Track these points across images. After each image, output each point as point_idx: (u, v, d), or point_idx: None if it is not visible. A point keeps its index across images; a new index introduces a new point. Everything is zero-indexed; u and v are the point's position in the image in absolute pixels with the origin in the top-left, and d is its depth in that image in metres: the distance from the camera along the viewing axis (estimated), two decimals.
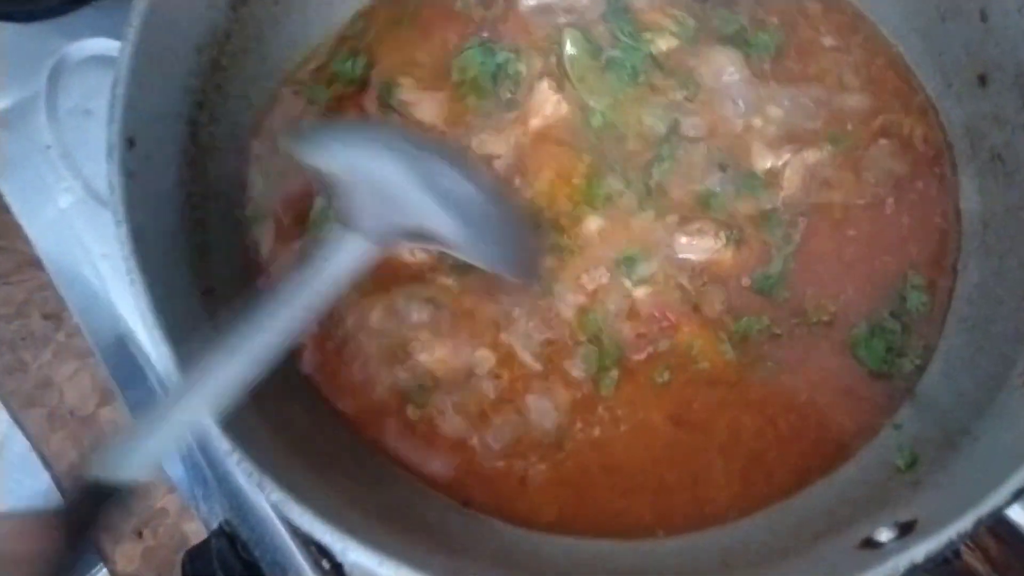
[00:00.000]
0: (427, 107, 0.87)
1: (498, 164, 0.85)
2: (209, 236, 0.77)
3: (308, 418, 0.77)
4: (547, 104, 0.86)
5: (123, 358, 1.05)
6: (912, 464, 0.71)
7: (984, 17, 0.81)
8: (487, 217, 0.74)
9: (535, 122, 0.86)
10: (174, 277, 0.70)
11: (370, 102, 0.88)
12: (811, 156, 0.84)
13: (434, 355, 0.79)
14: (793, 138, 0.85)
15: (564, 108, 0.86)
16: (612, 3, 0.90)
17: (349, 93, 0.89)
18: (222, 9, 0.80)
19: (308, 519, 0.58)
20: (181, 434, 0.60)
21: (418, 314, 0.80)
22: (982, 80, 0.82)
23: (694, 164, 0.83)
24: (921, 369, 0.78)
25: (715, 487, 0.76)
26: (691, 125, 0.85)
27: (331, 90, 0.89)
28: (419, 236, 0.71)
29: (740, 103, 0.86)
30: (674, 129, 0.85)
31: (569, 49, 0.88)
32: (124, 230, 0.64)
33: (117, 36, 0.70)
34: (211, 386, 0.60)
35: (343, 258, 0.67)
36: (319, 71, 0.90)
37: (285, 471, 0.63)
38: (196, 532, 1.21)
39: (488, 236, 0.74)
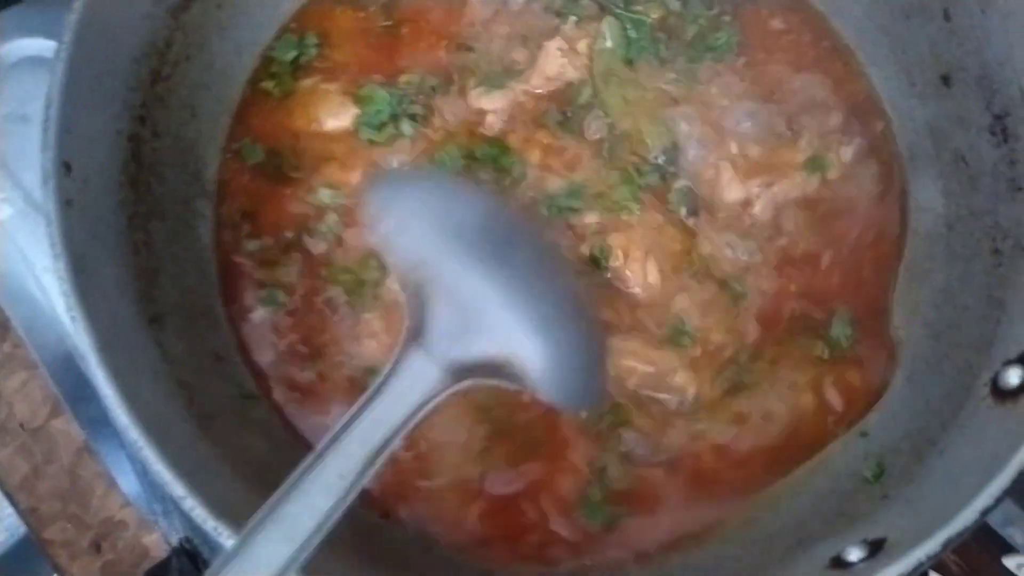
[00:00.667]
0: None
1: (490, 121, 0.83)
2: (155, 259, 0.74)
3: (268, 445, 0.74)
4: (553, 64, 0.83)
5: (72, 373, 1.02)
6: (879, 475, 0.71)
7: (947, 16, 0.79)
8: (577, 343, 0.64)
9: (536, 81, 0.83)
10: (119, 307, 0.67)
11: None
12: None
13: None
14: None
15: (570, 73, 0.84)
16: None
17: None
18: (161, 17, 0.76)
19: None
20: None
21: None
22: (945, 80, 0.81)
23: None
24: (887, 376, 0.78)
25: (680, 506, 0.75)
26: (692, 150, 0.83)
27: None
28: (498, 373, 0.60)
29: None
30: (671, 150, 0.83)
31: (607, 42, 0.85)
32: (63, 264, 0.61)
33: (51, 35, 0.65)
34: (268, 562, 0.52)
35: (413, 392, 0.56)
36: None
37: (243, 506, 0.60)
38: (157, 545, 1.18)
39: (572, 366, 0.63)
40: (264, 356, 0.79)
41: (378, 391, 0.56)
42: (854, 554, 0.61)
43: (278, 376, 0.79)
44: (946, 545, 0.57)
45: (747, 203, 0.81)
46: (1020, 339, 0.67)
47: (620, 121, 0.83)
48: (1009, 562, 0.87)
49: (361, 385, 0.75)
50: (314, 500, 0.53)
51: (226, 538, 0.56)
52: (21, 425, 1.33)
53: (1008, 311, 0.70)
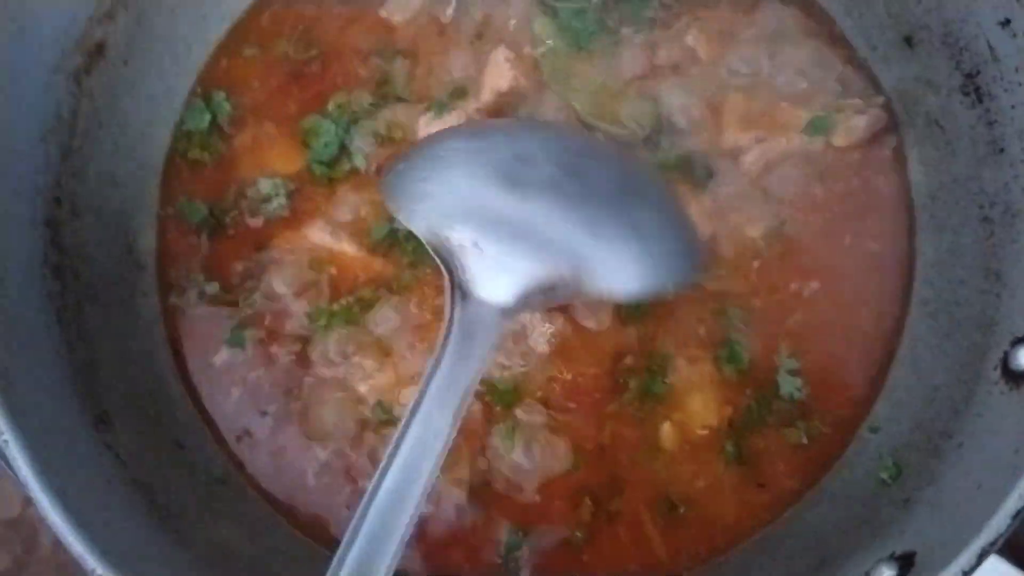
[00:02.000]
0: None
1: None
2: (93, 350, 0.68)
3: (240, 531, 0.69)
4: (503, 78, 0.77)
5: None
6: (897, 475, 0.67)
7: None
8: (643, 222, 0.63)
9: (486, 97, 0.78)
10: (58, 415, 0.61)
11: None
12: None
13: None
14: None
15: (522, 83, 0.78)
16: None
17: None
18: (63, 84, 0.69)
19: None
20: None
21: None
22: (908, 41, 0.77)
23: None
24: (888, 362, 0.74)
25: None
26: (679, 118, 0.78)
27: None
28: (554, 292, 0.59)
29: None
30: (658, 127, 0.77)
31: (548, 42, 0.80)
32: None
33: None
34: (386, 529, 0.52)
35: (478, 345, 0.56)
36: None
37: None
38: None
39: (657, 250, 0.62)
40: (233, 422, 0.74)
41: (440, 360, 0.56)
42: (885, 573, 0.57)
43: (251, 442, 0.74)
44: (981, 556, 0.53)
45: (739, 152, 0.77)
46: None
47: (593, 112, 0.78)
48: None
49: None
50: (405, 485, 0.53)
51: None
52: None
53: (1008, 284, 0.66)
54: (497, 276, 0.58)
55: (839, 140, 0.79)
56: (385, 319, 0.74)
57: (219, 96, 0.80)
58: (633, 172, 0.71)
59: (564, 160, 0.65)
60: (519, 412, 0.72)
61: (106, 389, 0.67)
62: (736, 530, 0.70)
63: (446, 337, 0.57)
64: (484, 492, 0.71)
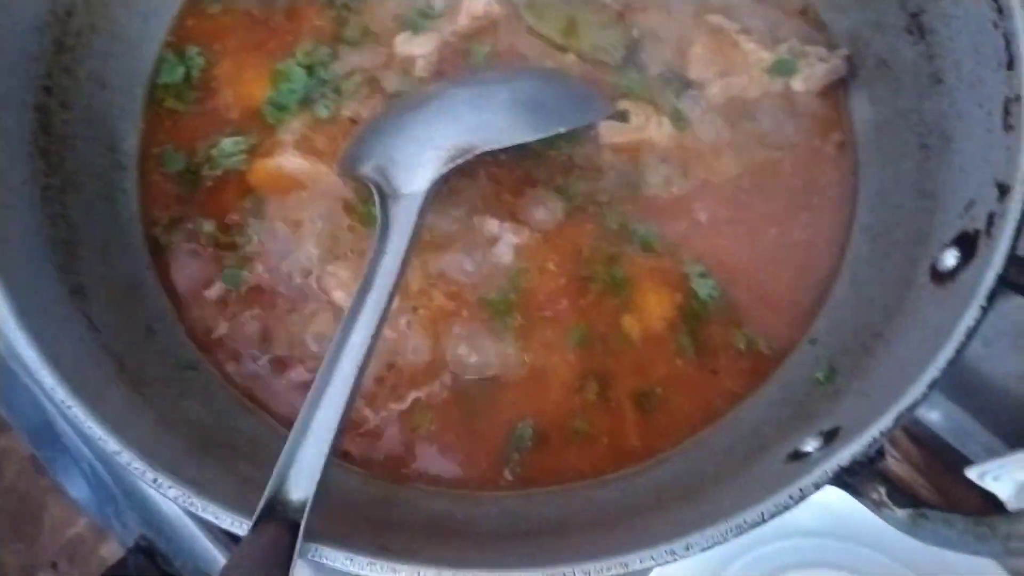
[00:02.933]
0: None
1: (420, 65, 0.82)
2: (74, 231, 0.71)
3: (208, 410, 0.72)
4: (476, 4, 0.83)
5: (6, 381, 0.98)
6: (831, 375, 0.71)
7: None
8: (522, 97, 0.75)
9: (462, 21, 0.83)
10: (37, 277, 0.64)
11: None
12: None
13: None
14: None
15: (496, 9, 0.83)
16: None
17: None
18: None
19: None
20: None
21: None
22: None
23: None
24: (830, 282, 0.78)
25: (630, 425, 0.74)
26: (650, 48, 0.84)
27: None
28: (467, 153, 0.71)
29: None
30: (632, 52, 0.83)
31: None
32: None
33: None
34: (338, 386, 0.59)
35: (406, 229, 0.67)
36: None
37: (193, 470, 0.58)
38: (115, 553, 1.15)
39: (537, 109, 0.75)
40: (211, 331, 0.77)
41: (378, 253, 0.66)
42: (810, 445, 0.61)
43: (226, 348, 0.77)
44: (898, 420, 0.56)
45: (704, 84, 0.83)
46: (953, 224, 0.67)
47: (565, 39, 0.83)
48: (971, 473, 0.87)
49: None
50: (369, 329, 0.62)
51: (166, 489, 0.54)
52: None
53: (940, 201, 0.70)
54: (413, 176, 0.71)
55: (798, 85, 0.83)
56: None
57: (192, 51, 0.84)
58: (511, 70, 0.84)
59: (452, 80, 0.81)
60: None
61: (84, 266, 0.70)
62: (689, 423, 0.74)
63: (381, 233, 0.68)
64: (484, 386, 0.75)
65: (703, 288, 0.77)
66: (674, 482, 0.68)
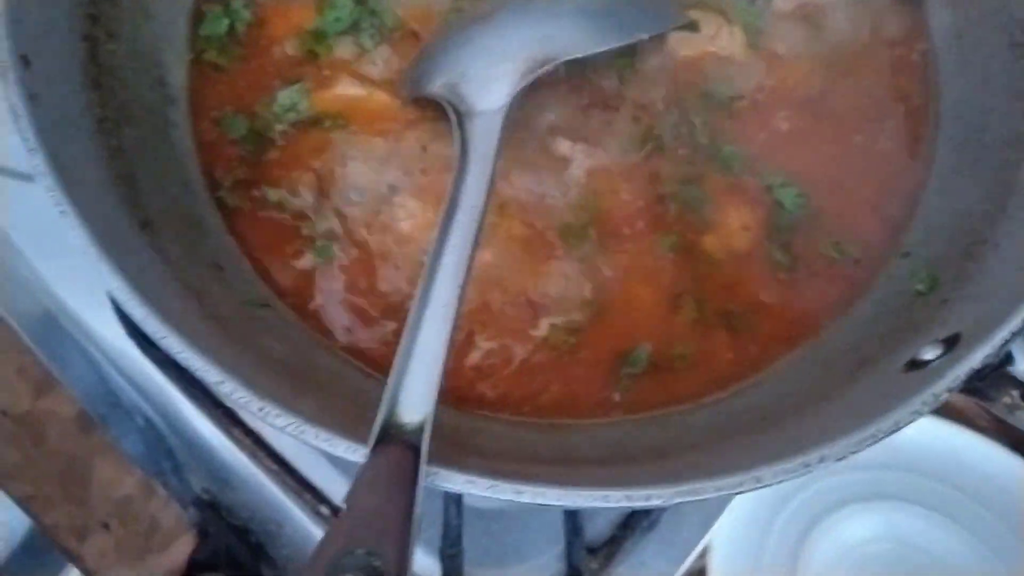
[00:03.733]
0: None
1: None
2: (133, 165, 0.67)
3: (284, 347, 0.69)
4: None
5: (56, 341, 0.95)
6: (933, 285, 0.68)
7: None
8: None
9: None
10: (106, 208, 0.61)
11: None
12: None
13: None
14: None
15: None
16: None
17: None
18: None
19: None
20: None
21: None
22: None
23: None
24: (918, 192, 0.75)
25: (722, 348, 0.72)
26: None
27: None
28: (543, 64, 0.68)
29: None
30: None
31: None
32: (41, 157, 0.55)
33: None
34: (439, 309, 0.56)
35: (488, 148, 0.64)
36: None
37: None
38: (167, 513, 1.13)
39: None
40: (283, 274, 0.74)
41: (461, 175, 0.62)
42: (930, 353, 0.59)
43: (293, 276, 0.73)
44: None
45: None
46: None
47: None
48: None
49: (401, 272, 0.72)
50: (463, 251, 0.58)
51: (273, 418, 0.51)
52: (3, 412, 1.25)
53: None
54: (489, 91, 0.67)
55: None
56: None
57: (237, 2, 0.79)
58: None
59: None
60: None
61: (147, 200, 0.66)
62: (783, 340, 0.71)
63: (462, 154, 0.64)
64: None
65: (787, 198, 0.74)
66: (778, 402, 0.66)
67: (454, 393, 0.70)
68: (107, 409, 1.00)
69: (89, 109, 0.65)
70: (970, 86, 0.76)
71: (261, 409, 0.51)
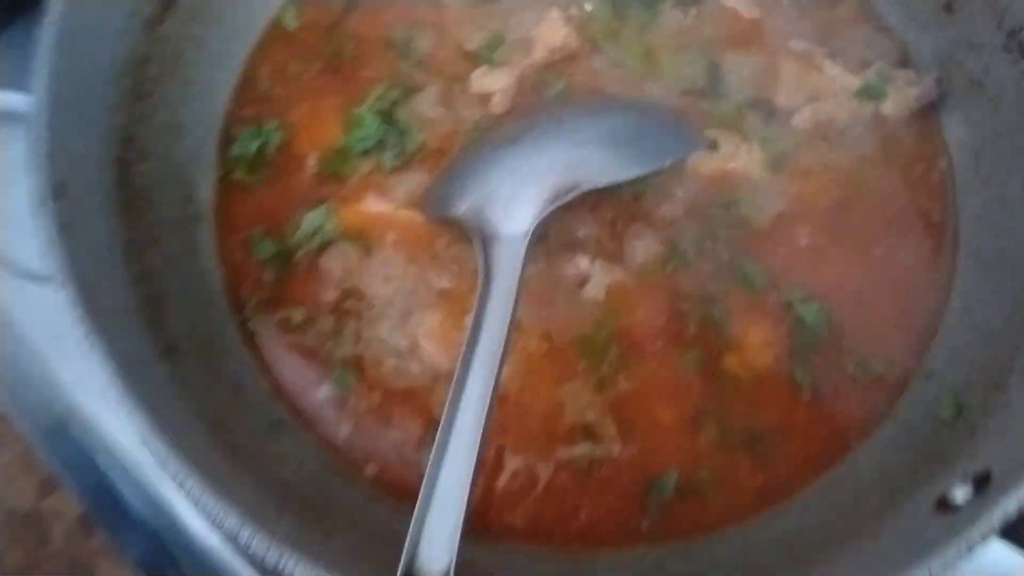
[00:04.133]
0: None
1: (496, 101, 0.80)
2: (159, 287, 0.68)
3: (298, 475, 0.68)
4: (556, 34, 0.80)
5: (64, 442, 0.95)
6: (959, 412, 0.67)
7: None
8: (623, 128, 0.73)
9: (540, 54, 0.81)
10: (129, 335, 0.61)
11: None
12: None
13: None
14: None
15: (573, 41, 0.81)
16: None
17: None
18: (136, 32, 0.71)
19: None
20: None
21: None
22: (947, 7, 0.80)
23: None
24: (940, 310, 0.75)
25: (745, 473, 0.71)
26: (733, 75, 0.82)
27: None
28: (568, 191, 0.67)
29: None
30: (714, 80, 0.81)
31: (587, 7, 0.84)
32: (72, 289, 0.55)
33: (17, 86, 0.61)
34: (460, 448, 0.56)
35: (511, 273, 0.64)
36: None
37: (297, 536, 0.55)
38: None
39: (636, 143, 0.71)
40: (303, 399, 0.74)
41: (484, 299, 0.63)
42: (960, 493, 0.57)
43: (314, 403, 0.73)
44: None
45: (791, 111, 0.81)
46: None
47: (644, 70, 0.81)
48: None
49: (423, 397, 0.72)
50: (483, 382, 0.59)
51: (291, 567, 0.50)
52: (10, 511, 1.24)
53: None
54: (514, 215, 0.67)
55: (887, 109, 0.81)
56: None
57: (270, 125, 0.80)
58: (603, 103, 0.81)
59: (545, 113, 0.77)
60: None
61: (172, 322, 0.67)
62: (807, 467, 0.70)
63: (486, 279, 0.64)
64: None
65: (808, 313, 0.74)
66: (804, 534, 0.65)
67: (481, 521, 0.69)
68: (111, 513, 0.98)
69: (117, 233, 0.66)
70: (989, 204, 0.76)
71: (280, 559, 0.50)
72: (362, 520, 0.66)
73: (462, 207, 0.70)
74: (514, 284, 0.63)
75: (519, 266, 0.64)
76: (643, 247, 0.76)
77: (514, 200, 0.68)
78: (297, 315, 0.74)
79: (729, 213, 0.78)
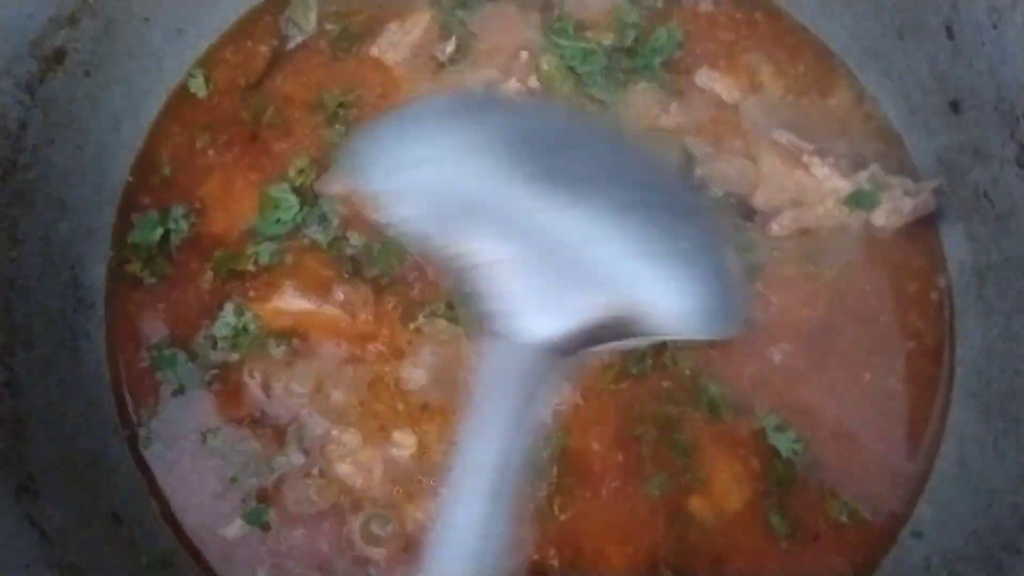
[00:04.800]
0: None
1: None
2: (23, 401, 0.58)
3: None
4: None
5: None
6: None
7: (950, 34, 0.69)
8: (708, 263, 0.48)
9: None
10: None
11: None
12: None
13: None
14: None
15: None
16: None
17: None
18: (11, 93, 0.60)
19: None
20: None
21: None
22: (954, 107, 0.71)
23: None
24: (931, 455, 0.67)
25: None
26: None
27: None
28: (612, 333, 0.46)
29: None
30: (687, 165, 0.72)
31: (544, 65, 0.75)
32: None
33: None
34: None
35: (513, 393, 0.43)
36: None
37: None
38: None
39: (710, 291, 0.47)
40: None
41: (477, 410, 0.43)
42: None
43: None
44: None
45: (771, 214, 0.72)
46: None
47: None
48: None
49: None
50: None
51: None
52: None
53: None
54: (551, 304, 0.45)
55: (879, 219, 0.72)
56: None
57: (177, 211, 0.69)
58: (677, 183, 0.61)
59: (601, 154, 0.50)
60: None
61: (34, 449, 0.56)
62: None
63: (487, 389, 0.45)
64: None
65: (782, 443, 0.66)
66: None
67: None
68: None
69: None
70: (993, 336, 0.68)
71: None
72: None
73: (431, 199, 0.47)
74: (522, 402, 0.44)
75: (531, 387, 0.44)
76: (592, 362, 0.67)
77: (548, 283, 0.45)
78: (210, 435, 0.64)
79: None
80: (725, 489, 0.66)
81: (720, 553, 0.64)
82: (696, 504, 0.65)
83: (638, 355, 0.67)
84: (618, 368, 0.67)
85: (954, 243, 0.72)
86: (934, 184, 0.72)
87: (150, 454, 0.64)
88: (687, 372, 0.68)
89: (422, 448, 0.65)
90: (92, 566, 0.55)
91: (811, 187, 0.72)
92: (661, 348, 0.68)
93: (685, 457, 0.66)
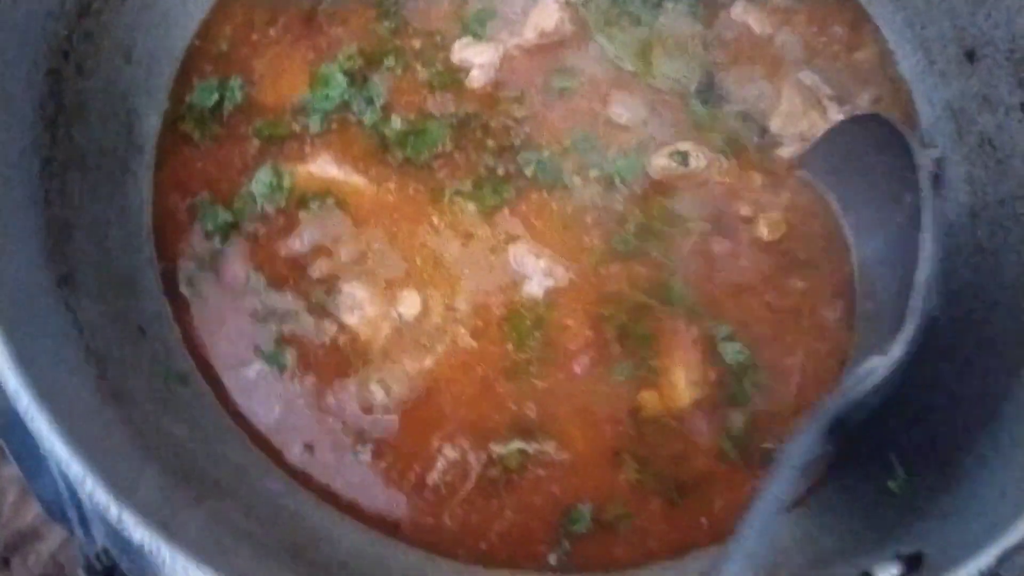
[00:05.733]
0: None
1: (475, 75, 0.74)
2: (71, 212, 0.63)
3: (193, 434, 0.63)
4: (549, 18, 0.75)
5: None
6: (906, 486, 0.62)
7: None
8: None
9: (529, 35, 0.75)
10: (20, 258, 0.56)
11: None
12: None
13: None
14: None
15: (568, 27, 0.75)
16: None
17: None
18: None
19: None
20: None
21: None
22: (970, 56, 0.74)
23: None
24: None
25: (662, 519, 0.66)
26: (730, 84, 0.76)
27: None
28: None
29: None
30: (708, 85, 0.75)
31: None
32: None
33: None
34: None
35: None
36: None
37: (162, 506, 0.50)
38: (74, 560, 1.06)
39: None
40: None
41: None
42: (886, 572, 0.52)
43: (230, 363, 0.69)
44: (1002, 559, 0.47)
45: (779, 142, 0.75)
46: None
47: (636, 65, 0.76)
48: None
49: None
50: None
51: (132, 528, 0.45)
52: None
53: None
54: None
55: None
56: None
57: (235, 82, 0.74)
58: None
59: None
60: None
61: (76, 252, 0.62)
62: (729, 522, 0.64)
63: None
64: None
65: (729, 351, 0.69)
66: None
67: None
68: (24, 447, 0.94)
69: (34, 148, 0.61)
70: (981, 273, 0.71)
71: (118, 517, 0.45)
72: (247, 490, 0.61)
73: None
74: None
75: None
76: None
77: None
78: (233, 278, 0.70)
79: (679, 227, 0.72)
80: (673, 386, 0.69)
81: (676, 453, 0.67)
82: (646, 397, 0.68)
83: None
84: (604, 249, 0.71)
85: (954, 186, 0.75)
86: (935, 151, 0.75)
87: (179, 288, 0.70)
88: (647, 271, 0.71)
89: (426, 309, 0.69)
90: (117, 364, 0.60)
91: (821, 129, 0.76)
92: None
93: (645, 348, 0.70)
